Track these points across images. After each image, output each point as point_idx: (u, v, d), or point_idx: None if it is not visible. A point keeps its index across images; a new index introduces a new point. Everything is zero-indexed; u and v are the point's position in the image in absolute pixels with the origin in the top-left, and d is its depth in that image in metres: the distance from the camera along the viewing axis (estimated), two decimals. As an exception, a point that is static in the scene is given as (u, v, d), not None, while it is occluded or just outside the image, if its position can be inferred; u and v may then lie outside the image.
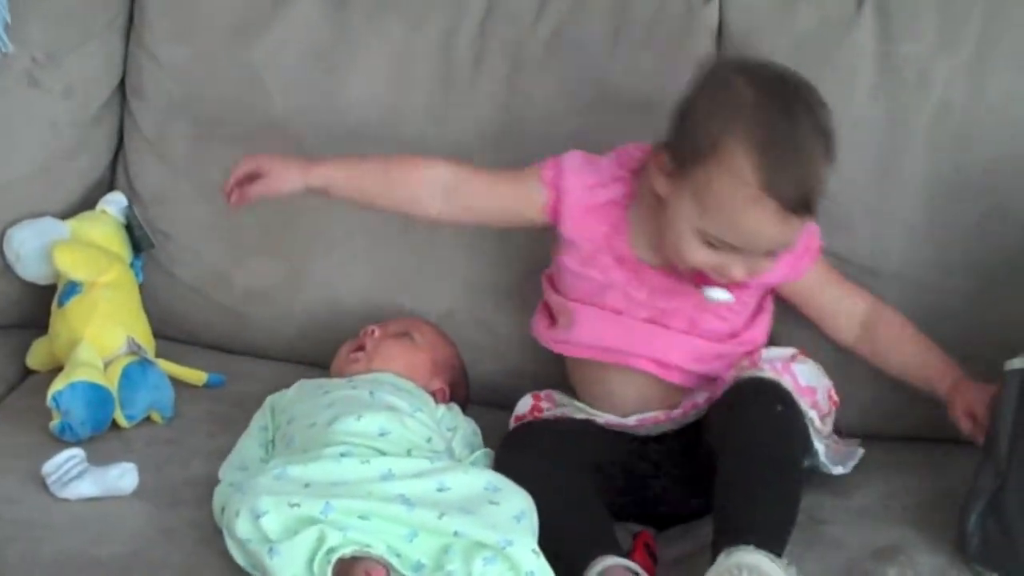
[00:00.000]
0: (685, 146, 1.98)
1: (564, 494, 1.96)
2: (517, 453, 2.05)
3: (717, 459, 1.95)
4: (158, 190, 2.49)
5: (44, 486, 2.02)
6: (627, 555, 1.93)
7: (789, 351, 2.10)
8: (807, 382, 2.06)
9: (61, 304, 2.31)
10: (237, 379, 2.35)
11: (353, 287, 2.40)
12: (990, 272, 2.21)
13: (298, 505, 1.82)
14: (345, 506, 1.82)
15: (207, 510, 1.98)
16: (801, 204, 1.93)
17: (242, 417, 2.17)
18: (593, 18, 2.36)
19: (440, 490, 1.89)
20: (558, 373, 2.22)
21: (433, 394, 2.19)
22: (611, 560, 1.86)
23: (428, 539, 1.83)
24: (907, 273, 2.23)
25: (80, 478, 2.01)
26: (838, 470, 2.06)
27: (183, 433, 2.20)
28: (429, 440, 2.03)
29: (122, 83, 2.52)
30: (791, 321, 2.20)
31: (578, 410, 2.16)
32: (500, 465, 2.04)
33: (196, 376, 2.33)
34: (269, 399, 2.18)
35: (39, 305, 2.40)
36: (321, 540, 1.79)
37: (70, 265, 2.31)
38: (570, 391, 2.20)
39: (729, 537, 1.84)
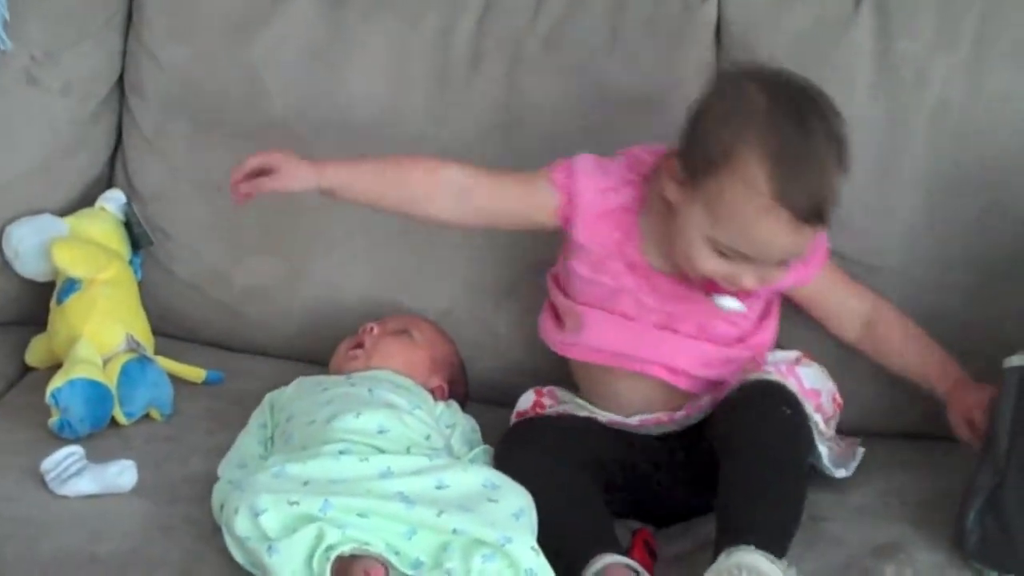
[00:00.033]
0: (697, 154, 1.96)
1: (564, 491, 1.96)
2: (518, 449, 2.05)
3: (721, 460, 1.95)
4: (157, 187, 2.49)
5: (43, 483, 2.02)
6: (626, 552, 1.93)
7: (794, 354, 2.10)
8: (812, 385, 2.06)
9: (60, 301, 2.31)
10: (236, 376, 2.35)
11: (352, 285, 2.40)
12: (989, 268, 2.21)
13: (297, 503, 1.82)
14: (344, 504, 1.82)
15: (206, 507, 1.98)
16: (814, 214, 1.92)
17: (241, 414, 2.17)
18: (591, 15, 2.36)
19: (439, 488, 1.89)
20: (557, 370, 2.22)
21: (432, 391, 2.19)
22: (610, 558, 1.86)
23: (427, 537, 1.83)
24: (907, 270, 2.23)
25: (79, 475, 2.01)
26: (840, 473, 2.06)
27: (182, 430, 2.20)
28: (428, 437, 2.03)
29: (121, 80, 2.53)
30: (791, 319, 2.20)
31: (580, 407, 2.15)
32: (500, 460, 2.04)
33: (195, 373, 2.33)
34: (268, 396, 2.18)
35: (38, 302, 2.40)
36: (320, 538, 1.79)
37: (69, 262, 2.31)
38: (572, 388, 2.20)
39: (730, 537, 1.84)
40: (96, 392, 2.14)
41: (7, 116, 2.46)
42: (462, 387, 2.29)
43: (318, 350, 2.34)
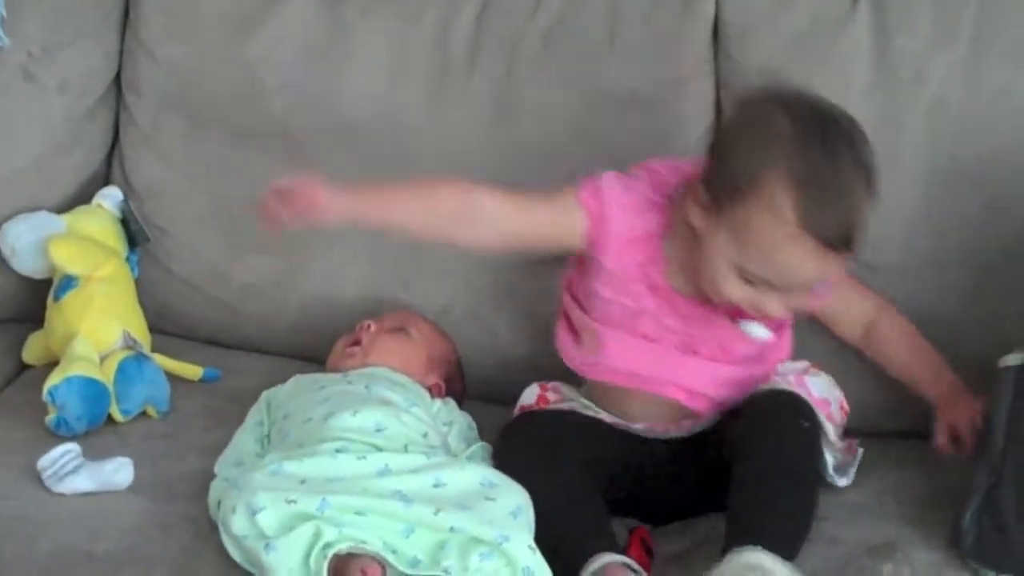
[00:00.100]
0: (722, 181, 1.94)
1: (563, 489, 1.96)
2: (518, 443, 2.05)
3: (735, 464, 1.94)
4: (154, 185, 2.49)
5: (40, 481, 2.02)
6: (623, 550, 1.93)
7: (802, 364, 2.10)
8: (821, 394, 2.06)
9: (57, 298, 2.31)
10: (233, 374, 2.35)
11: (350, 282, 2.40)
12: (987, 266, 2.21)
13: (294, 501, 1.82)
14: (341, 502, 1.82)
15: (203, 505, 1.98)
16: (841, 241, 1.90)
17: (238, 412, 2.17)
18: (590, 14, 2.36)
19: (436, 486, 1.89)
20: (557, 369, 2.21)
21: (429, 389, 2.19)
22: (609, 557, 1.86)
23: (424, 535, 1.83)
24: (904, 267, 2.23)
25: (76, 473, 2.01)
26: (842, 482, 2.06)
27: (179, 428, 2.20)
28: (425, 435, 2.03)
29: (118, 78, 2.53)
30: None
31: (585, 407, 2.14)
32: (500, 454, 2.05)
33: (192, 371, 2.33)
34: (265, 394, 2.18)
35: (35, 299, 2.40)
36: (317, 536, 1.79)
37: (66, 259, 2.31)
38: (575, 383, 2.19)
39: (741, 537, 1.83)
40: (93, 389, 2.14)
41: (4, 113, 2.46)
42: (460, 385, 2.28)
43: (316, 347, 2.34)
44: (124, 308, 2.31)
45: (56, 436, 2.12)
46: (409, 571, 1.80)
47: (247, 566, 1.85)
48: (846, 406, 2.11)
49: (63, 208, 2.45)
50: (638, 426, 2.11)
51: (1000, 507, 1.88)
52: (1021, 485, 1.87)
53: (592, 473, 2.01)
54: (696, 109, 2.34)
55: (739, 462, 1.94)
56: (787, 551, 1.84)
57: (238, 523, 1.83)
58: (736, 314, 2.01)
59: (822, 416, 2.02)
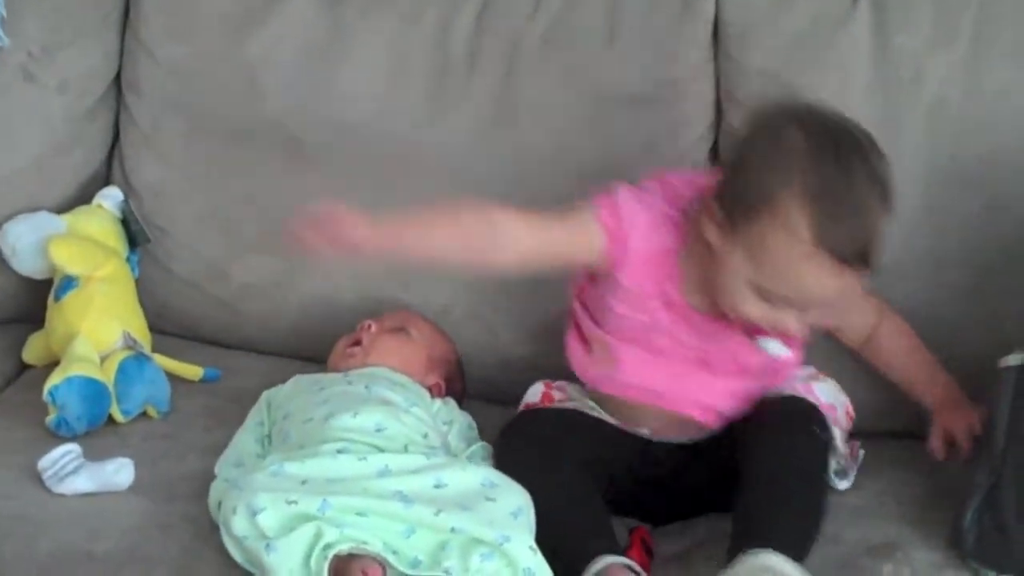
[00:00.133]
0: (737, 199, 1.92)
1: (564, 489, 1.96)
2: (519, 442, 2.04)
3: (746, 468, 1.94)
4: (154, 184, 2.49)
5: (40, 481, 2.01)
6: (624, 550, 1.93)
7: (809, 370, 2.10)
8: (828, 400, 2.06)
9: (57, 299, 2.31)
10: (233, 374, 2.35)
11: (350, 282, 2.40)
12: (987, 266, 2.21)
13: (295, 502, 1.82)
14: (342, 503, 1.82)
15: (203, 505, 1.98)
16: (858, 257, 1.88)
17: (238, 412, 2.17)
18: (589, 14, 2.36)
19: (437, 486, 1.89)
20: (556, 368, 2.21)
21: (429, 389, 2.19)
22: (610, 559, 1.86)
23: (425, 535, 1.83)
24: (903, 267, 2.23)
25: (76, 473, 2.01)
26: (843, 485, 2.06)
27: (179, 428, 2.20)
28: (425, 436, 2.03)
29: (118, 78, 2.53)
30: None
31: (591, 408, 2.13)
32: (500, 453, 2.04)
33: (192, 371, 2.33)
34: (265, 394, 2.18)
35: (35, 300, 2.40)
36: (318, 536, 1.79)
37: (66, 259, 2.31)
38: (581, 382, 2.17)
39: (754, 540, 1.83)
40: (93, 390, 2.14)
41: (4, 113, 2.46)
42: (460, 385, 2.28)
43: (316, 347, 2.33)
44: (124, 308, 2.31)
45: (56, 436, 2.12)
46: (410, 572, 1.80)
47: (248, 567, 1.85)
48: (851, 412, 2.11)
49: (63, 208, 2.45)
50: (643, 430, 2.11)
51: (1000, 507, 1.88)
52: (1021, 485, 1.87)
53: (592, 473, 2.01)
54: (696, 109, 2.34)
55: (751, 465, 1.94)
56: (797, 554, 1.84)
57: (239, 524, 1.83)
58: (753, 331, 2.00)
59: (832, 424, 2.02)
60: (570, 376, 2.19)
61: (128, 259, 2.42)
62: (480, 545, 1.81)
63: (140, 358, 2.23)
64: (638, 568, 1.87)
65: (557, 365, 2.21)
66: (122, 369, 2.19)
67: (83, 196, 2.48)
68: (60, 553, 1.92)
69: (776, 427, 1.98)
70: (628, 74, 2.33)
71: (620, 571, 1.85)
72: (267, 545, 1.80)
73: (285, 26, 2.43)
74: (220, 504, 1.90)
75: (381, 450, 1.95)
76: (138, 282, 2.42)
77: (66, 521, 1.96)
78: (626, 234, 2.01)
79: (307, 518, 1.81)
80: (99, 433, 2.15)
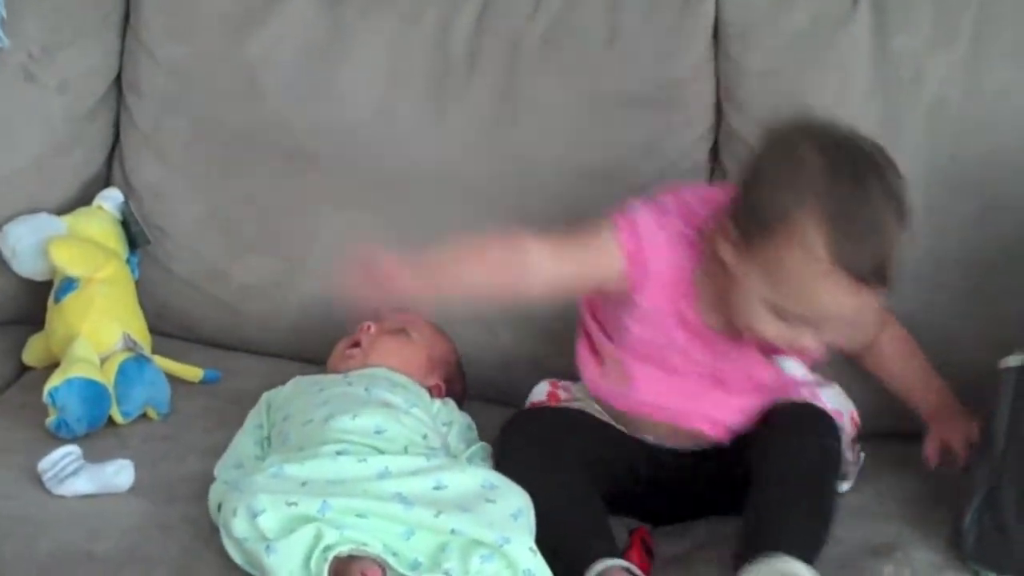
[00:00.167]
0: (752, 218, 1.90)
1: (564, 489, 1.96)
2: (519, 440, 2.04)
3: (760, 471, 1.93)
4: (154, 185, 2.49)
5: (40, 483, 2.01)
6: (624, 551, 1.94)
7: (815, 376, 2.09)
8: (834, 406, 2.06)
9: (57, 300, 2.31)
10: (233, 375, 2.35)
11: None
12: (987, 266, 2.21)
13: (295, 504, 1.82)
14: (342, 504, 1.82)
15: (203, 506, 1.97)
16: (875, 275, 1.87)
17: (238, 413, 2.17)
18: (589, 14, 2.36)
19: (437, 488, 1.88)
20: (556, 369, 2.22)
21: (429, 390, 2.19)
22: (610, 561, 1.86)
23: (425, 537, 1.83)
24: (903, 268, 2.22)
25: (76, 475, 2.01)
26: (844, 487, 2.06)
27: (179, 429, 2.20)
28: (425, 437, 2.03)
29: (118, 78, 2.53)
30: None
31: (596, 411, 2.12)
32: (500, 450, 2.04)
33: (192, 372, 2.33)
34: (265, 396, 2.18)
35: (35, 301, 2.39)
36: (318, 538, 1.79)
37: (66, 261, 2.31)
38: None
39: (766, 542, 1.83)
40: (93, 391, 2.14)
41: (4, 114, 2.46)
42: (460, 386, 2.28)
43: (316, 349, 2.33)
44: (124, 310, 2.31)
45: (56, 438, 2.11)
46: (410, 573, 1.80)
47: (248, 568, 1.85)
48: (857, 419, 2.11)
49: (63, 209, 2.45)
50: (648, 437, 2.10)
51: (1001, 508, 1.88)
52: (1022, 486, 1.87)
53: (593, 472, 2.00)
54: (696, 109, 2.34)
55: (763, 468, 1.93)
56: (807, 557, 1.84)
57: (239, 525, 1.83)
58: (769, 350, 1.99)
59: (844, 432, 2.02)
60: (573, 376, 2.19)
61: (128, 261, 2.42)
62: (480, 547, 1.81)
63: (140, 360, 2.23)
64: (637, 572, 1.87)
65: (558, 366, 2.21)
66: (122, 371, 2.19)
67: (83, 197, 2.49)
68: (60, 554, 1.91)
69: (787, 431, 1.97)
70: (628, 74, 2.33)
71: (620, 574, 1.85)
72: (267, 547, 1.80)
73: (285, 26, 2.43)
74: (220, 506, 1.90)
75: (381, 452, 1.95)
76: (138, 283, 2.42)
77: (66, 522, 1.96)
78: (646, 256, 1.99)
79: (307, 520, 1.81)
80: (99, 435, 2.15)
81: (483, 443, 2.12)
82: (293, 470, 1.89)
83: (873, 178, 1.88)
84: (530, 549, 1.82)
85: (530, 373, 2.25)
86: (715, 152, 2.35)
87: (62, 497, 2.00)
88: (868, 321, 2.10)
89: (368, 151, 2.39)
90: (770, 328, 1.92)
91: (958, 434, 2.05)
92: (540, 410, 2.15)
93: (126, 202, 2.46)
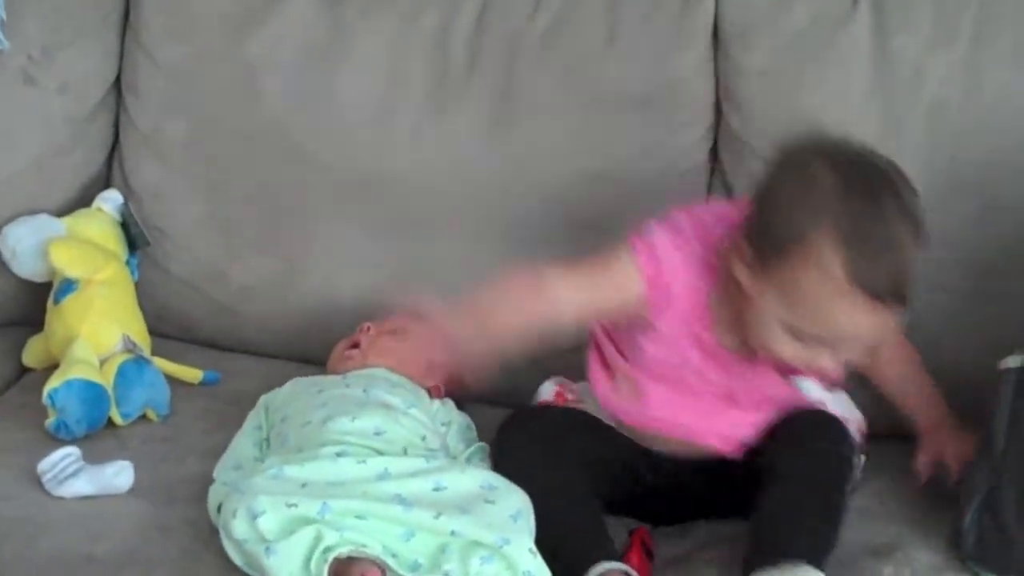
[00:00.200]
0: (767, 239, 1.88)
1: (563, 489, 1.95)
2: (519, 439, 2.03)
3: (773, 477, 1.92)
4: (154, 187, 2.48)
5: (40, 484, 2.01)
6: (623, 552, 1.93)
7: (821, 384, 2.08)
8: (842, 413, 2.05)
9: (57, 302, 2.31)
10: (232, 377, 2.35)
11: (348, 284, 2.40)
12: (987, 267, 2.21)
13: (295, 505, 1.82)
14: (342, 506, 1.82)
15: (203, 508, 1.97)
16: (892, 294, 1.84)
17: (238, 415, 2.17)
18: (589, 14, 2.36)
19: (436, 489, 1.88)
20: (555, 369, 2.22)
21: (428, 391, 2.19)
22: (609, 565, 1.85)
23: (425, 539, 1.82)
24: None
25: (76, 476, 2.01)
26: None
27: (179, 431, 2.20)
28: (424, 438, 2.03)
29: (118, 80, 2.52)
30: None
31: (602, 415, 2.11)
32: (500, 447, 2.04)
33: (192, 374, 2.33)
34: (263, 398, 2.18)
35: (35, 303, 2.39)
36: (318, 539, 1.78)
37: (66, 262, 2.31)
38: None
39: (777, 547, 1.83)
40: (93, 393, 2.14)
41: (4, 116, 2.46)
42: (459, 387, 2.28)
43: (315, 350, 2.33)
44: (124, 311, 2.31)
45: (56, 439, 2.11)
46: (409, 575, 1.80)
47: (248, 570, 1.84)
48: (864, 428, 2.10)
49: (63, 211, 2.45)
50: (660, 450, 2.08)
51: (1001, 509, 1.88)
52: (1021, 487, 1.87)
53: (593, 472, 2.00)
54: (695, 109, 2.34)
55: (778, 474, 1.92)
56: (818, 563, 1.84)
57: (239, 527, 1.82)
58: (787, 370, 1.98)
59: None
60: (574, 375, 2.19)
61: (128, 262, 2.42)
62: (480, 548, 1.81)
63: (139, 361, 2.23)
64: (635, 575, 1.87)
65: (558, 366, 2.21)
66: (121, 372, 2.19)
67: (83, 198, 2.49)
68: (60, 555, 1.91)
69: (800, 438, 1.96)
70: (628, 74, 2.33)
71: (619, 577, 1.85)
72: (267, 548, 1.80)
73: (285, 27, 2.43)
74: (220, 507, 1.90)
75: (380, 453, 1.95)
76: (137, 285, 2.42)
77: (66, 523, 1.96)
78: (667, 282, 1.97)
79: (307, 521, 1.81)
80: (99, 436, 2.15)
81: (482, 443, 2.12)
82: (293, 472, 1.89)
83: (888, 195, 1.86)
84: (530, 550, 1.82)
85: (530, 374, 2.25)
86: (714, 152, 2.35)
87: (61, 498, 2.00)
88: (886, 340, 2.07)
89: (367, 152, 2.39)
90: (787, 349, 1.90)
91: (952, 449, 2.04)
92: (540, 408, 2.15)
93: (126, 203, 2.46)
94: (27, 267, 2.40)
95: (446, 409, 2.18)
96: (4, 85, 2.45)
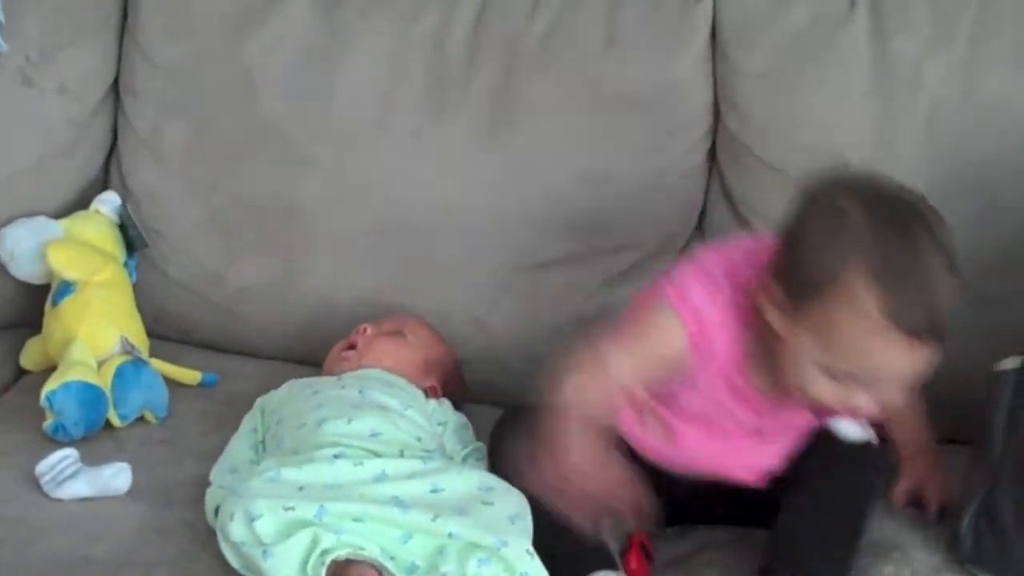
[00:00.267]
0: (798, 279, 1.83)
1: None
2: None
3: (799, 491, 1.93)
4: (152, 189, 2.48)
5: (38, 486, 2.01)
6: (623, 554, 1.93)
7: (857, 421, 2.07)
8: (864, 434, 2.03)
9: (55, 304, 2.30)
10: (230, 378, 2.34)
11: (347, 285, 2.40)
12: (986, 268, 2.20)
13: (293, 508, 1.81)
14: (339, 509, 1.82)
15: (201, 510, 1.97)
16: (929, 330, 1.80)
17: (235, 416, 2.16)
18: (588, 15, 2.36)
19: (434, 491, 1.88)
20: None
21: (424, 391, 2.19)
22: (607, 573, 1.85)
23: (422, 541, 1.82)
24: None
25: (74, 478, 2.01)
26: None
27: (177, 433, 2.20)
28: (419, 439, 2.03)
29: (116, 82, 2.52)
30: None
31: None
32: (499, 444, 2.04)
33: (190, 375, 2.33)
34: (259, 400, 2.18)
35: (33, 305, 2.39)
36: (315, 542, 1.78)
37: (64, 264, 2.31)
38: None
39: (800, 564, 1.86)
40: (90, 394, 2.14)
41: (2, 117, 2.45)
42: (458, 388, 2.28)
43: (314, 351, 2.33)
44: (122, 313, 2.31)
45: (54, 441, 2.11)
46: (407, 577, 1.81)
47: (245, 572, 1.84)
48: (875, 441, 2.10)
49: (61, 213, 2.44)
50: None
51: (998, 511, 1.88)
52: (1019, 489, 1.87)
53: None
54: (694, 111, 2.34)
55: (806, 489, 1.93)
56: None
57: (236, 530, 1.82)
58: (823, 412, 1.94)
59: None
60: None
61: (126, 264, 2.42)
62: (478, 550, 1.81)
63: (137, 363, 2.23)
64: (634, 581, 1.87)
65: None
66: (119, 374, 2.19)
67: (81, 200, 2.48)
68: (57, 557, 1.91)
69: (825, 461, 1.96)
70: (628, 75, 2.33)
71: (617, 581, 1.84)
72: (264, 551, 1.80)
73: (284, 27, 2.43)
74: (217, 510, 1.90)
75: (377, 455, 1.95)
76: (135, 287, 2.41)
77: (64, 526, 1.96)
78: (712, 339, 1.91)
79: (304, 524, 1.81)
80: (96, 438, 2.15)
81: (479, 443, 2.12)
82: (290, 474, 1.89)
83: (920, 230, 1.81)
84: (528, 552, 1.81)
85: (526, 375, 2.24)
86: (713, 153, 2.35)
87: (59, 500, 2.00)
88: (925, 378, 1.99)
89: (367, 153, 2.39)
90: (825, 391, 1.85)
91: (934, 486, 2.03)
92: (535, 407, 2.14)
93: (124, 205, 2.46)
94: (25, 269, 2.40)
95: (442, 409, 2.18)
96: (2, 87, 2.45)
